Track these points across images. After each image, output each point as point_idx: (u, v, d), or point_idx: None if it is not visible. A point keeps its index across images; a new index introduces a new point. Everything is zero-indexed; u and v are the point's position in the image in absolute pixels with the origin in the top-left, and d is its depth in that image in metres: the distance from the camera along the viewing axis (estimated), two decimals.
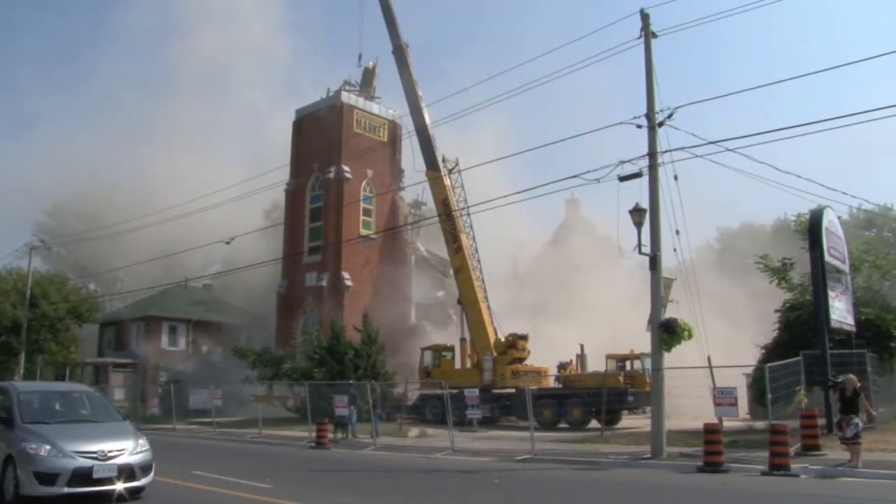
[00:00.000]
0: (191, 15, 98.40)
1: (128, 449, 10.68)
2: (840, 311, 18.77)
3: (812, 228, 18.69)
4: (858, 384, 13.98)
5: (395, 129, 46.90)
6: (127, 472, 10.49)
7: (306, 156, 46.01)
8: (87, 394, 12.88)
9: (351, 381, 27.67)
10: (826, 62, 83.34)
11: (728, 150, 16.54)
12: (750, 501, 11.75)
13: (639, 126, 17.48)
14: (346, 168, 43.82)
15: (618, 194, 17.60)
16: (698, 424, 17.15)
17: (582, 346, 30.78)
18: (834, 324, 18.14)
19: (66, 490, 10.02)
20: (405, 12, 60.15)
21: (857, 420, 13.34)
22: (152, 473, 10.98)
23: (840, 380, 14.80)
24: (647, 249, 17.32)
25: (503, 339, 31.55)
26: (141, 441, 11.02)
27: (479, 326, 32.04)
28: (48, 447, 10.17)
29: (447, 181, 33.94)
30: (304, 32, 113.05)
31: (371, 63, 46.42)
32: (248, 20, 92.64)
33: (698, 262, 25.69)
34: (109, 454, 10.40)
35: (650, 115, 17.43)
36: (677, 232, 17.41)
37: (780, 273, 23.48)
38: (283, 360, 34.79)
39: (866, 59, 21.45)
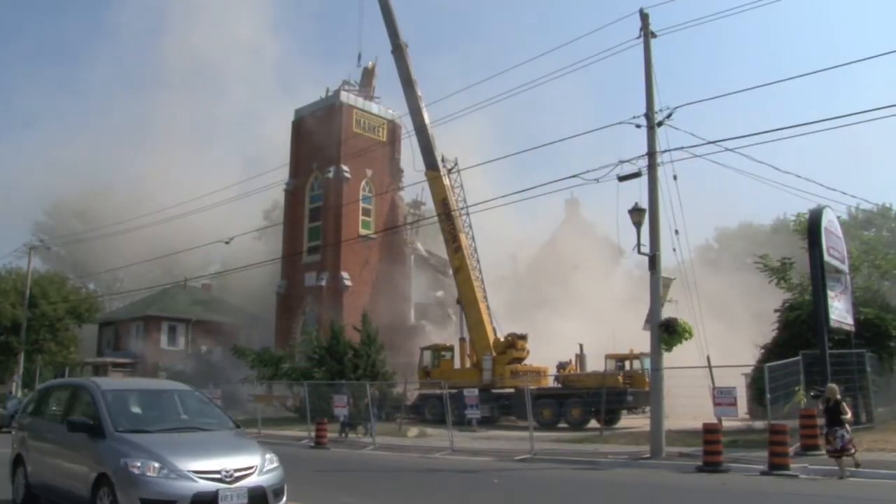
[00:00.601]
0: (186, 15, 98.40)
1: (256, 466, 8.32)
2: (839, 311, 18.76)
3: (811, 228, 18.68)
4: (839, 395, 13.71)
5: (394, 129, 46.92)
6: (258, 497, 8.15)
7: (305, 155, 46.03)
8: (180, 392, 10.21)
9: (342, 382, 27.70)
10: (825, 62, 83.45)
11: (727, 149, 16.58)
12: (749, 501, 11.76)
13: (638, 126, 17.51)
14: (345, 168, 43.82)
15: (617, 194, 17.66)
16: (697, 424, 17.16)
17: (581, 346, 30.78)
18: (833, 324, 18.13)
19: None
20: (403, 10, 60.12)
21: (842, 432, 13.03)
22: (285, 498, 8.69)
23: (822, 389, 14.63)
24: (646, 249, 17.34)
25: (502, 339, 31.54)
26: (269, 456, 8.67)
27: (479, 326, 32.04)
28: (156, 465, 7.79)
29: (446, 181, 33.94)
30: (300, 32, 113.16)
31: (370, 63, 46.44)
32: (244, 20, 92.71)
33: (697, 261, 25.72)
34: (236, 474, 8.03)
35: (649, 115, 17.45)
36: (676, 232, 17.47)
37: (779, 273, 23.48)
38: (282, 360, 34.82)
39: (865, 59, 21.45)
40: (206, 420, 9.47)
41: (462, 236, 33.22)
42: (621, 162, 17.14)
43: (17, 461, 10.25)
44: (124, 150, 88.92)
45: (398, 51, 35.66)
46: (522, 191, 28.25)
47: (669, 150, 17.15)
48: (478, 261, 33.57)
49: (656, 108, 17.44)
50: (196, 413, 9.66)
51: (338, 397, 24.18)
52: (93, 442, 8.40)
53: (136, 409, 9.34)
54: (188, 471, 7.80)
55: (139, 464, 7.76)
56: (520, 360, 31.17)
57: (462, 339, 33.38)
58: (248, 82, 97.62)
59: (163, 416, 9.41)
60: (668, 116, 17.07)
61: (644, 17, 17.97)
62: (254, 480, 8.15)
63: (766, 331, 23.70)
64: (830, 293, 18.17)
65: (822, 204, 19.15)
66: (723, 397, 16.29)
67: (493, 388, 30.11)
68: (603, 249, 44.29)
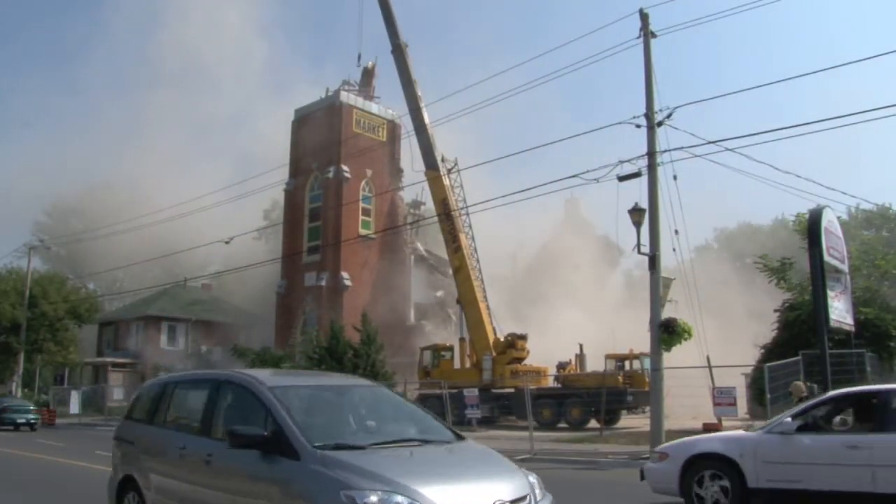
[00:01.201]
0: (181, 14, 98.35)
1: (528, 496, 5.55)
2: (839, 311, 18.73)
3: (811, 228, 18.64)
4: (804, 392, 13.57)
5: (394, 129, 46.92)
6: None
7: (305, 155, 46.04)
8: (367, 390, 7.29)
9: None
10: (825, 62, 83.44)
11: (727, 149, 16.61)
12: None
13: (638, 126, 17.53)
14: (345, 168, 43.82)
15: (617, 194, 17.69)
16: (697, 424, 17.18)
17: (581, 346, 30.79)
18: (833, 323, 18.10)
19: None
20: (402, 10, 60.19)
21: None
22: None
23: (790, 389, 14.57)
24: (646, 249, 17.36)
25: (502, 339, 31.54)
26: (532, 479, 5.82)
27: (479, 326, 32.03)
28: (401, 499, 4.97)
29: (446, 181, 33.93)
30: (299, 32, 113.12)
31: (370, 63, 46.45)
32: (241, 20, 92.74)
33: (697, 261, 25.73)
34: None
35: (649, 115, 17.46)
36: (676, 232, 17.49)
37: (779, 273, 23.50)
38: (282, 360, 34.78)
39: (865, 59, 21.48)
40: (420, 429, 6.53)
41: (462, 236, 33.21)
42: (621, 162, 17.19)
43: (125, 486, 7.37)
44: (124, 149, 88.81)
45: (398, 51, 35.62)
46: (522, 191, 28.12)
47: (669, 150, 17.21)
48: (478, 261, 33.58)
49: (656, 108, 17.47)
50: (397, 418, 6.82)
51: None
52: (272, 463, 5.59)
53: (322, 416, 6.39)
54: None
55: (375, 499, 4.94)
56: (520, 359, 31.16)
57: (462, 339, 33.37)
58: (246, 82, 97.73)
59: (358, 424, 6.47)
60: (668, 116, 17.10)
61: (644, 17, 17.99)
62: None
63: (766, 331, 23.72)
64: (830, 293, 18.15)
65: (822, 204, 19.15)
66: (723, 397, 16.31)
67: (493, 387, 30.09)
68: (602, 249, 44.33)
